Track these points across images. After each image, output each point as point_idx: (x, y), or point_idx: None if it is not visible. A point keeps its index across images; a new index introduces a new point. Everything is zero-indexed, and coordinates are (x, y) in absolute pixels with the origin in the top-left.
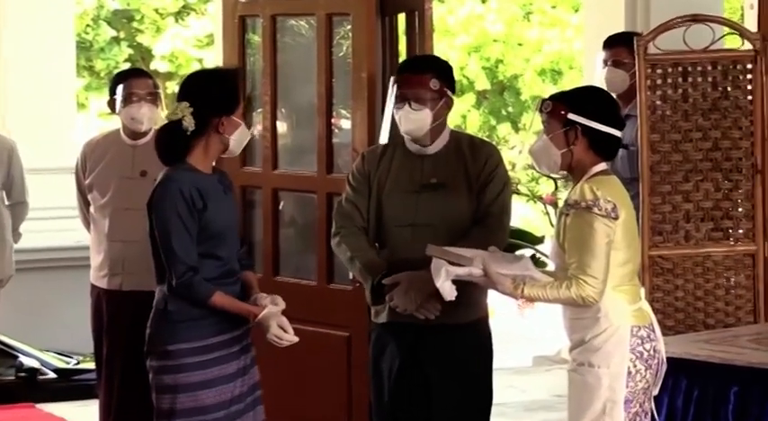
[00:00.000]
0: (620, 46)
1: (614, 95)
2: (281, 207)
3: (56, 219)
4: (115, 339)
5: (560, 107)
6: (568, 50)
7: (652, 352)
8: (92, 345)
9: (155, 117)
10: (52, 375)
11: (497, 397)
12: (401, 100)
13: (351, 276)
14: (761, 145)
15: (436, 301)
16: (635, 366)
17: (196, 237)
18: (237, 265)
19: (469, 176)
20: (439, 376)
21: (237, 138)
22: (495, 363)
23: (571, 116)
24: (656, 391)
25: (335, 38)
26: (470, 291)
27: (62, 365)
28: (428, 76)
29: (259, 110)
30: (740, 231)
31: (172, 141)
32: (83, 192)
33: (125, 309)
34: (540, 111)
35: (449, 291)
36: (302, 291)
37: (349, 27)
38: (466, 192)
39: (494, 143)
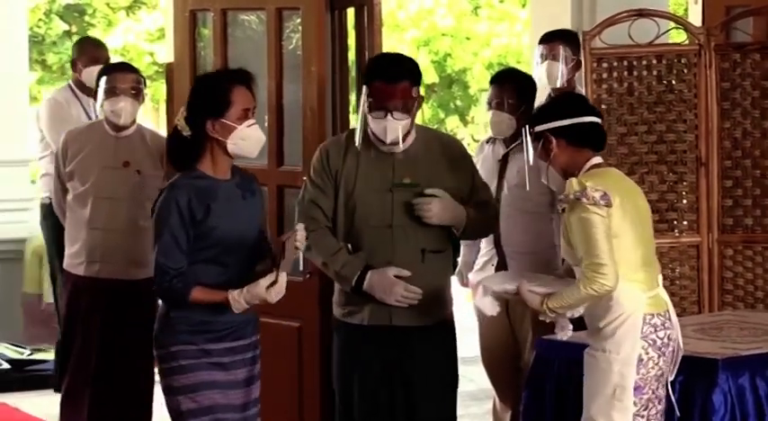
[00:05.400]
0: (557, 41)
1: (552, 89)
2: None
3: (10, 212)
4: (90, 327)
5: (530, 127)
6: (516, 44)
7: (666, 339)
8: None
9: (135, 112)
10: (6, 366)
11: None
12: (379, 110)
13: (301, 268)
14: (705, 138)
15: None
16: (647, 353)
17: (195, 244)
18: (250, 273)
19: (449, 180)
20: (424, 377)
21: (236, 142)
22: None
23: (537, 128)
24: (671, 377)
25: (285, 32)
26: (443, 291)
27: (16, 356)
28: (406, 85)
29: None
30: (684, 223)
31: (177, 147)
32: (62, 180)
33: (101, 297)
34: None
35: (489, 307)
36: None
37: (299, 21)
38: (454, 189)
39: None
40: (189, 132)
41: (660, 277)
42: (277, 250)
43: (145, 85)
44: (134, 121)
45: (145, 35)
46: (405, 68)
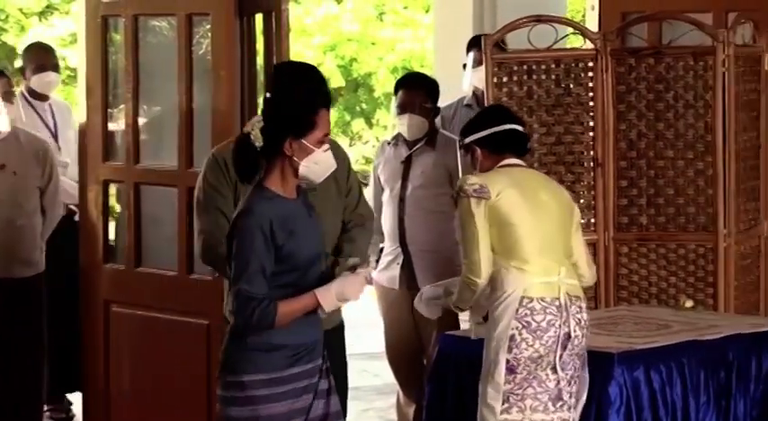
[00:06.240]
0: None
1: (482, 93)
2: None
3: None
4: None
5: (459, 141)
6: (420, 49)
7: (545, 324)
8: None
9: (11, 114)
10: None
11: (352, 381)
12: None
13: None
14: (601, 139)
15: None
16: (520, 334)
17: (279, 269)
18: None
19: (338, 181)
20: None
21: (309, 166)
22: (350, 349)
23: (465, 141)
24: (559, 368)
25: (195, 37)
26: None
27: None
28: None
29: (121, 106)
30: (582, 222)
31: (246, 156)
32: None
33: None
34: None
35: (427, 311)
36: (163, 281)
37: (208, 27)
38: (335, 195)
39: (348, 139)
40: (261, 144)
41: (568, 270)
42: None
43: (14, 87)
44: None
45: (57, 40)
46: None
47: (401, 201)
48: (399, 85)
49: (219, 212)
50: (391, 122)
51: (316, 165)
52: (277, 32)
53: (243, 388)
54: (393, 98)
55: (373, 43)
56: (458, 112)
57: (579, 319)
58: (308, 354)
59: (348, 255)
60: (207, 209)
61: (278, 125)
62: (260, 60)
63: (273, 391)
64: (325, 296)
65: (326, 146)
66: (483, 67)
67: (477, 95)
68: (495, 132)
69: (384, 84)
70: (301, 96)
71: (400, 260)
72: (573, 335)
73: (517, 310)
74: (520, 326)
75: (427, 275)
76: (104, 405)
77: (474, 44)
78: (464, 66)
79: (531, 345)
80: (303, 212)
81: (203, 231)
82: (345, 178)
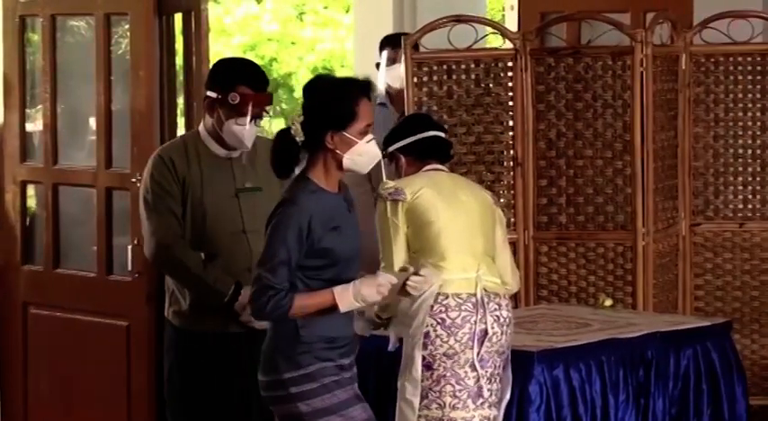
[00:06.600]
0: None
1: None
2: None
3: None
4: None
5: (383, 150)
6: (340, 49)
7: (460, 321)
8: None
9: None
10: None
11: None
12: (244, 115)
13: (129, 267)
14: (521, 139)
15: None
16: (435, 331)
17: (315, 263)
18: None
19: (278, 183)
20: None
21: (353, 158)
22: None
23: (388, 149)
24: (478, 365)
25: (114, 37)
26: None
27: None
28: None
29: (39, 106)
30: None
31: (286, 150)
32: None
33: None
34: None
35: (361, 329)
36: (82, 282)
37: (127, 26)
38: (278, 194)
39: None
40: (302, 138)
41: (489, 267)
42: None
43: None
44: None
45: None
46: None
47: None
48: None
49: (171, 213)
50: None
51: (360, 157)
52: (196, 32)
53: (314, 378)
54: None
55: (293, 43)
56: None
57: (498, 316)
58: (351, 347)
59: None
60: (158, 210)
61: (318, 118)
62: (179, 60)
63: (342, 376)
64: (343, 295)
65: (370, 136)
66: (396, 66)
67: (390, 94)
68: (418, 140)
69: (304, 84)
70: (340, 87)
71: None
72: (491, 332)
73: (432, 307)
74: (434, 322)
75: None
76: (23, 407)
77: (387, 43)
78: (377, 65)
79: (446, 342)
80: (344, 207)
81: (156, 233)
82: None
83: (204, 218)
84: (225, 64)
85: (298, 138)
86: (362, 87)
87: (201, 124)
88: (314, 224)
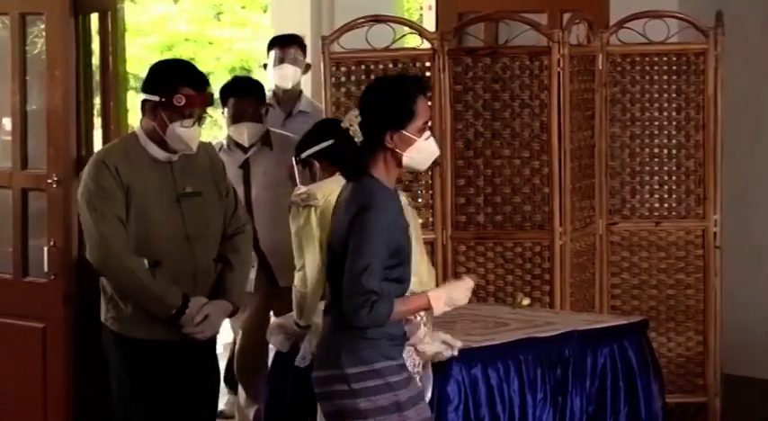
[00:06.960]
0: (291, 45)
1: (283, 91)
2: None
3: None
4: None
5: (295, 157)
6: (259, 49)
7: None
8: None
9: None
10: None
11: None
12: (191, 117)
13: (46, 268)
14: (439, 138)
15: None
16: None
17: (392, 263)
18: None
19: (218, 184)
20: (200, 390)
21: (413, 156)
22: None
23: (302, 156)
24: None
25: (30, 37)
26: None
27: None
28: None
29: None
30: (419, 221)
31: (348, 152)
32: None
33: None
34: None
35: (280, 343)
36: None
37: (43, 26)
38: (217, 198)
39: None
40: (361, 139)
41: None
42: None
43: None
44: None
45: None
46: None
47: (248, 205)
48: (228, 93)
49: (118, 219)
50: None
51: (419, 154)
52: (113, 31)
53: (380, 375)
54: (221, 105)
55: (211, 43)
56: None
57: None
58: (403, 347)
59: (234, 266)
60: (105, 215)
61: (378, 119)
62: (96, 60)
63: (404, 376)
64: (437, 299)
65: (428, 133)
66: (284, 66)
67: (277, 95)
68: (331, 145)
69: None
70: (398, 87)
71: (255, 263)
72: (409, 332)
73: None
74: None
75: (283, 271)
76: None
77: (275, 43)
78: (264, 65)
79: None
80: (400, 205)
81: (104, 239)
82: (223, 179)
83: (147, 224)
84: (164, 66)
85: (356, 139)
86: (419, 85)
87: (138, 127)
88: (393, 226)
